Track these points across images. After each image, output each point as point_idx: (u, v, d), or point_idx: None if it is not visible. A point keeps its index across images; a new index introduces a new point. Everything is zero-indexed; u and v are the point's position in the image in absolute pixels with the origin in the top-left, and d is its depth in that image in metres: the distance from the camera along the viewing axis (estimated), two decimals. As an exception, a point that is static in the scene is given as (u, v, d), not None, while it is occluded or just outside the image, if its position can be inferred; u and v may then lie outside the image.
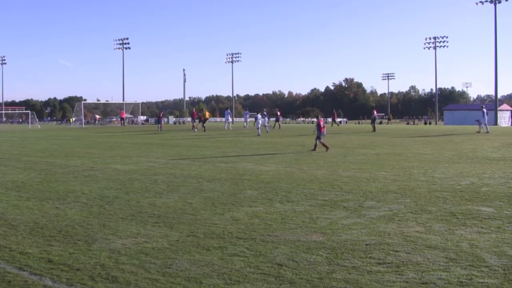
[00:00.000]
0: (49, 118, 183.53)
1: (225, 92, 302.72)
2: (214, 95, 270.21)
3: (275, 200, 10.92)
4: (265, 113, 56.25)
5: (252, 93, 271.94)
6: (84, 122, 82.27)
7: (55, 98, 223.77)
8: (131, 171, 16.37)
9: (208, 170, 16.33)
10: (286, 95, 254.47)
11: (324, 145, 23.22)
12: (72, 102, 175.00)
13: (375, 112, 47.87)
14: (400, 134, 39.02)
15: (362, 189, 12.19)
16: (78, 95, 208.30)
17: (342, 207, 10.04)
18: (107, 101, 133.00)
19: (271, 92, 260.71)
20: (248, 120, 62.97)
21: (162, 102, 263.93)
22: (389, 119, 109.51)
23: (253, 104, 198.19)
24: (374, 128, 45.44)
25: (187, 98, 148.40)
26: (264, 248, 7.14)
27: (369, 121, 50.21)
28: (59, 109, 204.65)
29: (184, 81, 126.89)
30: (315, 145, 23.64)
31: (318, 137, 23.59)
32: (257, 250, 7.05)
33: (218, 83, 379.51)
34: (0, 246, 7.51)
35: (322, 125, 23.99)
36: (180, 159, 20.42)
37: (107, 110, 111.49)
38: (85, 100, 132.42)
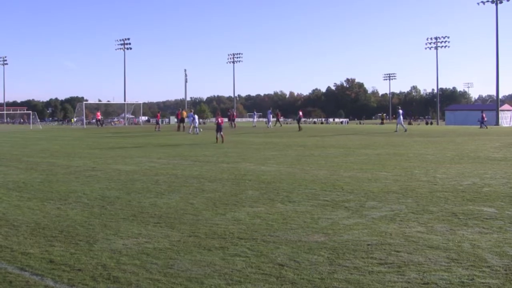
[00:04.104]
0: (50, 118, 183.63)
1: (226, 92, 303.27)
2: (216, 95, 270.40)
3: (277, 200, 10.91)
4: (255, 113, 56.90)
5: (253, 94, 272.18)
6: (86, 123, 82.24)
7: (56, 99, 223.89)
8: (133, 172, 16.37)
9: (209, 171, 16.34)
10: (287, 95, 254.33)
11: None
12: (73, 102, 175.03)
13: (300, 112, 51.18)
14: (401, 134, 38.99)
15: (363, 189, 12.18)
16: (80, 96, 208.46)
17: (344, 207, 10.04)
18: (108, 101, 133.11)
19: (272, 93, 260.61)
20: (271, 119, 63.20)
21: (163, 102, 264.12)
22: (382, 119, 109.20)
23: (254, 105, 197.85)
24: (299, 128, 48.15)
25: (188, 99, 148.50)
26: (266, 249, 7.13)
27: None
28: (60, 110, 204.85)
29: (186, 81, 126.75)
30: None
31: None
32: (258, 250, 7.04)
33: (220, 84, 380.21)
34: (1, 246, 7.51)
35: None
36: (181, 159, 20.42)
37: (108, 111, 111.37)
38: (86, 100, 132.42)
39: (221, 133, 32.20)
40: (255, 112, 75.70)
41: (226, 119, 62.88)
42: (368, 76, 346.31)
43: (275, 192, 11.90)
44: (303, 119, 65.22)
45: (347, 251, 6.95)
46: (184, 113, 56.59)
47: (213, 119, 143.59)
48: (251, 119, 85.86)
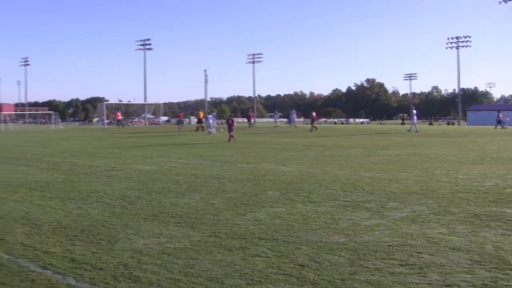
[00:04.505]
0: (71, 118, 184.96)
1: (246, 92, 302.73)
2: (236, 95, 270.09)
3: (297, 200, 10.89)
4: (277, 113, 57.10)
5: (273, 94, 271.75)
6: (107, 123, 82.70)
7: (77, 99, 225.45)
8: (153, 172, 16.44)
9: (229, 171, 16.36)
10: (307, 96, 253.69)
11: None
12: (94, 102, 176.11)
13: (313, 113, 50.93)
14: (421, 134, 38.73)
15: (384, 190, 12.12)
16: (101, 96, 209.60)
17: (364, 208, 9.99)
18: (129, 101, 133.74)
19: (292, 93, 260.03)
20: (295, 119, 63.41)
21: (183, 102, 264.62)
22: (402, 120, 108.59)
23: (274, 105, 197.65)
24: (312, 127, 47.68)
25: (208, 99, 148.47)
26: (286, 249, 7.13)
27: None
28: (81, 110, 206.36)
29: (206, 81, 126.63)
30: None
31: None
32: (279, 251, 7.04)
33: (240, 84, 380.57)
34: (24, 245, 7.59)
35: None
36: (201, 159, 20.47)
37: (129, 111, 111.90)
38: (107, 100, 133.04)
39: (231, 132, 33.72)
40: (276, 112, 75.62)
41: (245, 119, 63.13)
42: (389, 76, 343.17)
43: (295, 193, 11.88)
44: (319, 120, 65.51)
45: (368, 252, 6.92)
46: (201, 114, 56.94)
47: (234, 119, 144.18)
48: (272, 119, 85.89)
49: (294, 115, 62.39)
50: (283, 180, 13.98)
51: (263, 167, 17.28)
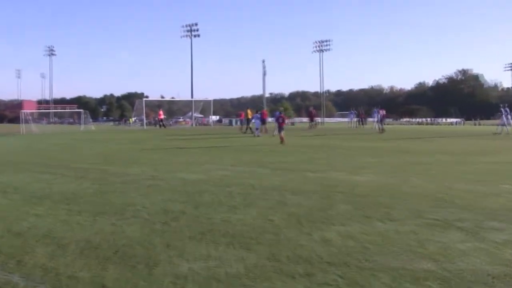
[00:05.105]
0: (104, 118, 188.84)
1: (312, 87, 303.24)
2: (300, 90, 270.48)
3: (374, 217, 10.76)
4: (352, 111, 56.57)
5: (345, 89, 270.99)
6: (146, 123, 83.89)
7: (111, 95, 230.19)
8: (200, 181, 16.53)
9: (292, 181, 16.32)
10: (386, 90, 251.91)
11: None
12: (131, 99, 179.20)
13: (382, 111, 49.72)
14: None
15: (481, 206, 11.86)
16: (139, 91, 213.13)
17: (457, 227, 9.79)
18: (172, 98, 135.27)
19: (368, 87, 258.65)
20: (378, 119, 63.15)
21: (238, 99, 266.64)
22: None
23: (346, 101, 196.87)
24: (380, 129, 47.10)
25: (267, 95, 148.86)
26: (361, 277, 7.03)
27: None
28: (116, 108, 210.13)
29: (264, 74, 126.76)
30: None
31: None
32: (352, 279, 6.95)
33: (305, 77, 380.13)
34: (46, 268, 7.68)
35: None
36: (258, 166, 20.50)
37: (172, 109, 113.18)
38: (147, 97, 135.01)
39: (281, 133, 34.62)
40: (352, 111, 75.20)
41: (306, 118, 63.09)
42: (486, 66, 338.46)
43: (372, 208, 11.74)
44: (407, 119, 64.77)
45: (462, 283, 6.76)
46: (249, 113, 57.14)
47: (296, 119, 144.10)
48: (346, 119, 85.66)
49: (377, 114, 61.84)
50: (357, 193, 13.86)
51: (333, 177, 17.19)
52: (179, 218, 11.04)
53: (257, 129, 47.05)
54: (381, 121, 51.04)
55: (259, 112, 51.49)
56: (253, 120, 51.71)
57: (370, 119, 73.40)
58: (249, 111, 58.11)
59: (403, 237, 9.10)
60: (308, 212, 11.38)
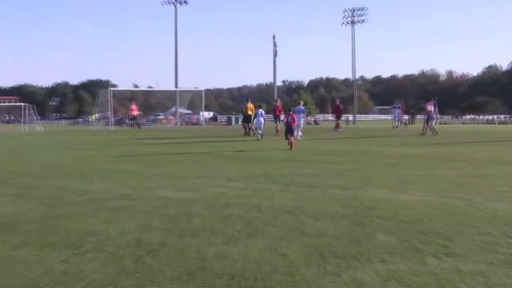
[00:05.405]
0: (56, 115, 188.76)
1: (340, 72, 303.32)
2: (324, 77, 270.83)
3: (426, 251, 10.64)
4: (397, 105, 56.65)
5: (385, 75, 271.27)
6: (115, 122, 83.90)
7: (66, 83, 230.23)
8: (188, 201, 16.46)
9: (312, 201, 16.23)
10: (443, 77, 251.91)
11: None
12: (93, 89, 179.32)
13: (429, 107, 49.62)
14: None
15: None
16: (103, 79, 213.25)
17: (543, 265, 9.70)
18: (150, 88, 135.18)
19: (417, 73, 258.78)
20: (437, 115, 63.41)
21: (238, 89, 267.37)
22: None
23: (386, 91, 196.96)
24: (425, 130, 47.13)
25: (279, 83, 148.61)
26: (409, 335, 6.96)
27: None
28: (72, 101, 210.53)
29: (275, 54, 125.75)
30: None
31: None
32: None
33: (330, 59, 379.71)
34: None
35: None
36: (267, 181, 20.45)
37: (150, 103, 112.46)
38: (115, 86, 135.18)
39: (291, 136, 35.22)
40: (397, 104, 74.68)
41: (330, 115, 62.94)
42: None
43: (423, 238, 11.63)
44: (472, 117, 64.61)
45: None
46: (250, 107, 56.55)
47: (318, 116, 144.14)
48: (388, 116, 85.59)
49: (434, 107, 61.67)
50: (402, 217, 13.75)
51: (368, 195, 17.12)
52: (157, 252, 10.93)
53: (259, 129, 47.50)
54: (428, 120, 51.04)
55: (260, 108, 51.37)
56: (254, 118, 51.55)
57: (419, 116, 73.52)
58: (249, 106, 57.30)
59: (467, 279, 8.99)
60: (335, 244, 11.24)
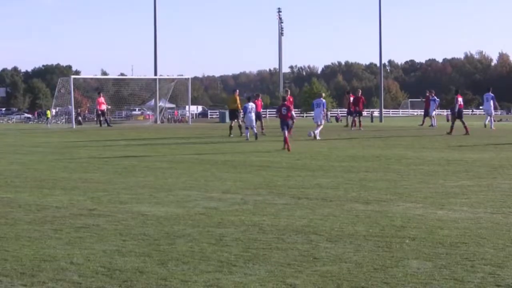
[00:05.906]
0: (2, 109, 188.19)
1: (364, 57, 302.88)
2: (342, 62, 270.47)
3: (471, 282, 10.69)
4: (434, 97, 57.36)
5: (419, 59, 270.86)
6: (78, 119, 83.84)
7: (14, 69, 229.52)
8: (171, 219, 16.52)
9: (328, 218, 16.30)
10: (493, 61, 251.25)
11: None
12: (50, 77, 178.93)
13: (459, 99, 50.16)
14: None
15: None
16: (63, 64, 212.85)
17: None
18: (122, 75, 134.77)
19: (459, 56, 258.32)
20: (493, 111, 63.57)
21: (234, 76, 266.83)
22: None
23: (422, 79, 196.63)
24: (451, 129, 47.83)
25: (286, 69, 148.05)
26: None
27: None
28: (23, 92, 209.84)
29: (281, 33, 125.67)
30: None
31: None
32: None
33: (350, 41, 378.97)
34: None
35: None
36: (271, 193, 20.52)
37: (122, 94, 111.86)
38: (77, 73, 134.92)
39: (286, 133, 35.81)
40: (434, 96, 74.45)
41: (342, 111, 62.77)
42: None
43: (467, 266, 11.68)
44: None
45: None
46: (236, 99, 55.86)
47: (335, 111, 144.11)
48: (419, 111, 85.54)
49: (492, 100, 61.33)
50: (441, 239, 13.81)
51: (398, 211, 17.20)
52: (133, 282, 11.00)
53: (250, 128, 47.90)
54: (454, 114, 50.86)
55: (252, 100, 50.87)
56: (247, 114, 50.58)
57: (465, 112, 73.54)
58: (236, 97, 57.40)
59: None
60: (356, 272, 11.30)
